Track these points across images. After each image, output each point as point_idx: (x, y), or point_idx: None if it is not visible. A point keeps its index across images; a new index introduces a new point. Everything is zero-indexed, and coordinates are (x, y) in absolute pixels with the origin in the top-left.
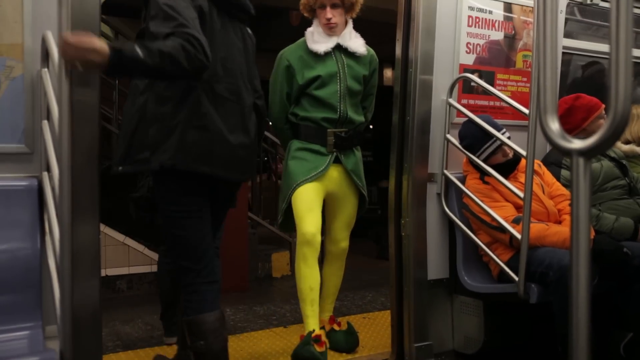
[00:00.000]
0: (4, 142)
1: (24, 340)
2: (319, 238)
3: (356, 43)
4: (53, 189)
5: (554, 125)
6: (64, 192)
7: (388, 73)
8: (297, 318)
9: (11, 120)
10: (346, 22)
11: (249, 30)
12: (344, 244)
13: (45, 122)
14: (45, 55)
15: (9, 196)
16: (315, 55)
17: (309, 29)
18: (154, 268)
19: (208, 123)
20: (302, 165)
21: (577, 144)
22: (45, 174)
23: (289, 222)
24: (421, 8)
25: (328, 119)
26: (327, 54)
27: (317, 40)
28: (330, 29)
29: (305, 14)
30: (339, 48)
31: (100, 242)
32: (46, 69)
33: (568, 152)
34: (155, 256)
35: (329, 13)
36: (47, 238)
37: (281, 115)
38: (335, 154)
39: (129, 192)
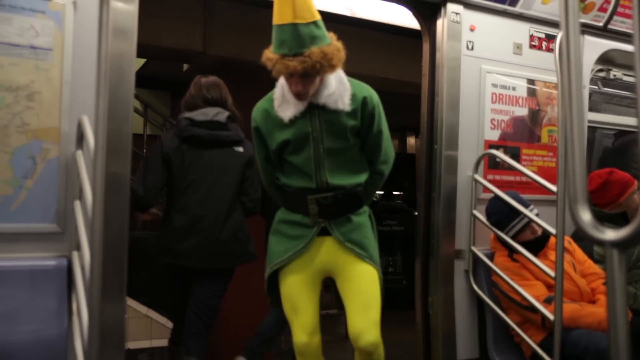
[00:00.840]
0: (37, 221)
1: None
2: (315, 341)
3: (335, 97)
4: (82, 268)
5: (585, 216)
6: (95, 271)
7: (411, 141)
8: None
9: (44, 201)
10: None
11: (239, 149)
12: (369, 337)
13: (77, 202)
14: (80, 138)
15: (38, 276)
16: None
17: (281, 80)
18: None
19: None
20: (280, 242)
21: (610, 235)
22: (75, 253)
23: (277, 297)
24: (445, 84)
25: (306, 189)
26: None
27: (288, 98)
28: (299, 98)
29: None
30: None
31: (125, 320)
32: (80, 151)
33: (601, 243)
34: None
35: (299, 85)
36: (75, 318)
37: (267, 181)
38: (321, 224)
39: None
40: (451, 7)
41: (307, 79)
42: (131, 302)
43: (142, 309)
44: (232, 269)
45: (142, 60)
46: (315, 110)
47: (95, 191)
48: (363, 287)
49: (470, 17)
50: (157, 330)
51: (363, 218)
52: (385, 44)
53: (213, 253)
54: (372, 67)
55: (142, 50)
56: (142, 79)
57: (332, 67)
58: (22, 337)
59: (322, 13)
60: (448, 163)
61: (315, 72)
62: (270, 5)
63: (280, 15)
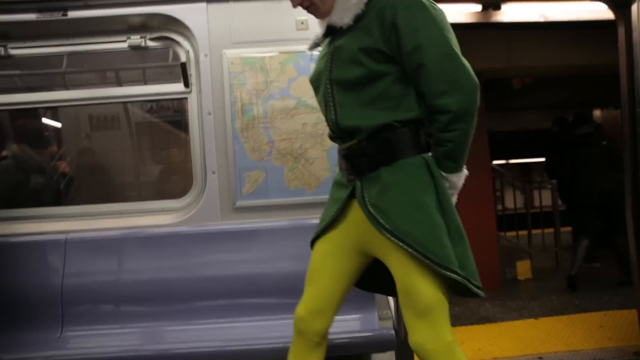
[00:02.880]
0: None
1: (360, 322)
2: (311, 326)
3: (347, 12)
4: None
5: None
6: None
7: (597, 112)
8: (546, 312)
9: None
10: None
11: None
12: (415, 337)
13: None
14: None
15: None
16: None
17: None
18: None
19: None
20: (327, 207)
21: None
22: None
23: None
24: None
25: (331, 137)
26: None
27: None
28: (311, 12)
29: None
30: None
31: None
32: None
33: None
34: None
35: None
36: None
37: None
38: (354, 184)
39: None
40: None
41: None
42: None
43: None
44: None
45: None
46: (333, 37)
47: None
48: (406, 280)
49: None
50: None
51: (399, 175)
52: (570, 36)
53: None
54: (560, 58)
55: None
56: None
57: None
58: None
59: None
60: None
61: None
62: None
63: None
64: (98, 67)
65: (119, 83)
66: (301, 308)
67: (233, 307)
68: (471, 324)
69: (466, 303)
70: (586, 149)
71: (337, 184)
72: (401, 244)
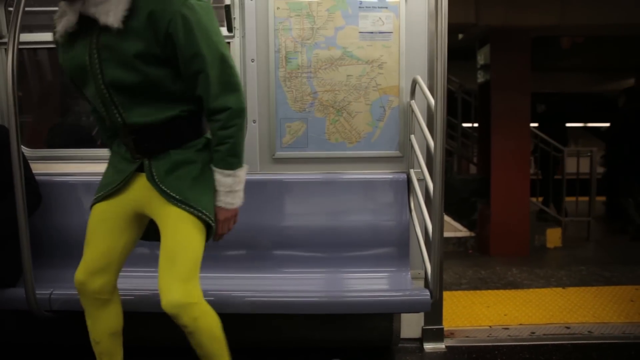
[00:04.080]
0: (387, 149)
1: (391, 280)
2: (90, 286)
3: (108, 8)
4: (418, 180)
5: None
6: (437, 187)
7: None
8: (574, 282)
9: (391, 135)
10: None
11: None
12: (170, 296)
13: (412, 136)
14: (413, 91)
15: (388, 185)
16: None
17: None
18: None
19: None
20: (108, 174)
21: None
22: (411, 170)
23: None
24: None
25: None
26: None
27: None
28: None
29: None
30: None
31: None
32: (414, 101)
33: None
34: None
35: None
36: (413, 213)
37: None
38: (141, 161)
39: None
40: None
41: None
42: None
43: None
44: None
45: None
46: (94, 29)
47: (436, 133)
48: (175, 245)
49: None
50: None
51: (186, 154)
52: None
53: None
54: (619, 15)
55: None
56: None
57: None
58: (381, 221)
59: None
60: None
61: None
62: None
63: None
64: None
65: None
66: (79, 271)
67: (262, 257)
68: (497, 288)
69: (493, 267)
70: None
71: (120, 156)
72: (195, 211)
